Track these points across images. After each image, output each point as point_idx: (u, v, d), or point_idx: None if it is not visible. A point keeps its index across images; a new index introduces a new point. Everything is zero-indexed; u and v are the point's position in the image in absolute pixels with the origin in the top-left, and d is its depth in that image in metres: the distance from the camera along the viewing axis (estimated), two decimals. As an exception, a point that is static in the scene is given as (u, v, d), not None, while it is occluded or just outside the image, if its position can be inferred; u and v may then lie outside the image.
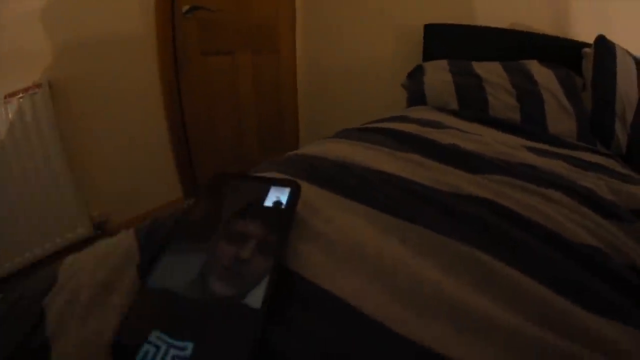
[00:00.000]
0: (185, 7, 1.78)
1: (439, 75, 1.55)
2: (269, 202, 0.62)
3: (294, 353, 0.41)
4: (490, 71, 1.50)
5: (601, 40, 1.43)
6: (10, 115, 1.38)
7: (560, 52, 1.58)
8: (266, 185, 0.66)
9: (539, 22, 1.71)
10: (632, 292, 0.53)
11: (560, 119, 1.33)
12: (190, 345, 0.37)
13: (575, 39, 1.62)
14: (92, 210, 1.67)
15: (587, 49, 1.49)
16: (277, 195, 0.63)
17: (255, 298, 0.44)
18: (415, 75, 1.64)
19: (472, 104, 1.41)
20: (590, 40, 1.47)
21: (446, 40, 1.84)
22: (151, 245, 0.57)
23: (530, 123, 1.32)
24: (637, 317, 0.48)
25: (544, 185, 0.79)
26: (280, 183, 0.66)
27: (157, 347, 0.37)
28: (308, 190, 0.73)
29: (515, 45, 1.68)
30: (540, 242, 0.60)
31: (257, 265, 0.49)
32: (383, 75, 2.11)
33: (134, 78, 1.73)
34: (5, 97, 1.38)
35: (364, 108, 2.02)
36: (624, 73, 1.36)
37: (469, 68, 1.55)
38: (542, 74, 1.46)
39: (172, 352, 0.37)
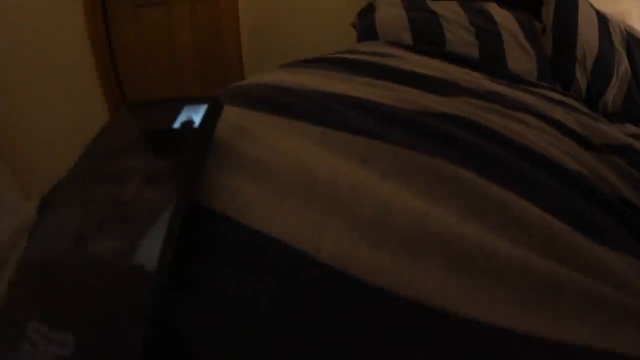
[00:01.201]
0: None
1: (391, 11, 1.41)
2: (177, 124, 0.46)
3: (212, 333, 0.28)
4: (447, 9, 1.39)
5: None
6: None
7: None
8: (178, 105, 0.49)
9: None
10: (629, 223, 0.45)
11: (521, 58, 1.26)
12: (71, 339, 0.26)
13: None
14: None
15: (548, -5, 1.40)
16: (188, 115, 0.47)
17: (150, 252, 0.29)
18: (366, 13, 1.49)
19: (427, 38, 1.28)
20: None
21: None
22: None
23: (489, 60, 1.23)
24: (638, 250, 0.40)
25: (519, 111, 0.68)
26: (196, 101, 0.49)
27: (34, 345, 0.26)
28: (241, 115, 0.57)
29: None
30: (530, 164, 0.48)
31: (147, 202, 0.34)
32: (331, 15, 1.94)
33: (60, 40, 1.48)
34: None
35: (311, 51, 1.86)
36: (586, 21, 1.30)
37: (424, 4, 1.42)
38: (501, 15, 1.38)
39: (52, 349, 0.25)
